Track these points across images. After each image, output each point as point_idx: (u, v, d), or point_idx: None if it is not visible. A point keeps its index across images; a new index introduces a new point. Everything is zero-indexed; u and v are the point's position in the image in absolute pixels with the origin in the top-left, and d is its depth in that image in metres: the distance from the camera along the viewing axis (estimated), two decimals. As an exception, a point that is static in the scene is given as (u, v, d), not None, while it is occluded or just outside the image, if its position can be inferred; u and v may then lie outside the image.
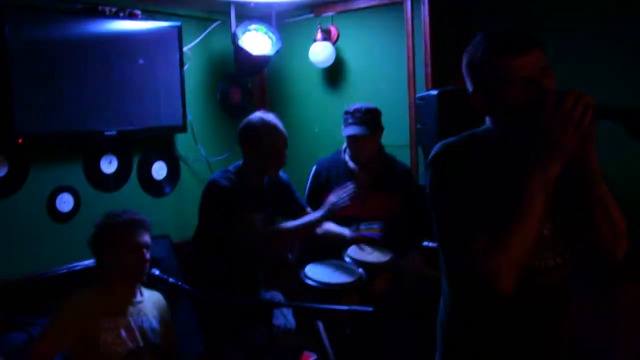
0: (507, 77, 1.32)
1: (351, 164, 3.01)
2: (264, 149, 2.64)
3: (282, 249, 2.89)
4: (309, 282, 2.45)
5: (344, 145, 3.05)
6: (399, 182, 3.02)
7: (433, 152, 1.47)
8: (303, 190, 3.10)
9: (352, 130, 2.88)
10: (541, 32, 3.05)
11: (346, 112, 2.95)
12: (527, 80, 1.31)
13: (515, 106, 1.33)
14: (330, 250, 2.87)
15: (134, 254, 2.23)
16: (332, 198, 2.73)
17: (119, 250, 2.21)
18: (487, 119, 1.46)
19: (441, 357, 1.59)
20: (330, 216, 2.76)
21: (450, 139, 1.49)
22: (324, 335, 2.80)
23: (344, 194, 2.72)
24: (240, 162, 2.74)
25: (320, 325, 2.80)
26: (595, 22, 2.91)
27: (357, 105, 2.94)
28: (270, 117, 2.70)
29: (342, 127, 2.95)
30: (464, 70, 1.44)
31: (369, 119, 2.89)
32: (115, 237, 2.22)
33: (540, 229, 1.34)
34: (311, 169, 3.14)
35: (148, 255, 2.27)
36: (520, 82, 1.31)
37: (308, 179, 3.12)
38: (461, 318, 1.53)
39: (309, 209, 2.89)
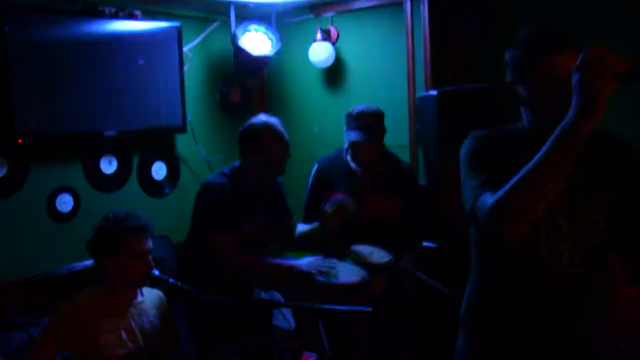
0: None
1: (353, 165, 2.97)
2: (266, 155, 2.58)
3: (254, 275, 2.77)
4: (318, 277, 2.44)
5: (346, 144, 3.03)
6: (402, 183, 2.96)
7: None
8: (302, 189, 3.09)
9: (355, 136, 2.83)
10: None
11: (349, 116, 2.88)
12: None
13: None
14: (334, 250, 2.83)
15: (137, 261, 2.18)
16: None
17: (121, 257, 2.15)
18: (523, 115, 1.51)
19: (465, 340, 1.66)
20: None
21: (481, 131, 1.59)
22: (324, 335, 2.79)
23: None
24: (237, 163, 2.68)
25: (321, 325, 2.79)
26: (597, 24, 2.91)
27: (360, 107, 2.87)
28: (274, 122, 2.62)
29: (344, 130, 2.90)
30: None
31: (373, 123, 2.84)
32: (117, 244, 2.15)
33: (557, 188, 1.29)
34: (311, 169, 3.12)
35: (151, 260, 2.23)
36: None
37: (309, 178, 3.09)
38: (483, 302, 1.61)
39: (295, 220, 2.85)
